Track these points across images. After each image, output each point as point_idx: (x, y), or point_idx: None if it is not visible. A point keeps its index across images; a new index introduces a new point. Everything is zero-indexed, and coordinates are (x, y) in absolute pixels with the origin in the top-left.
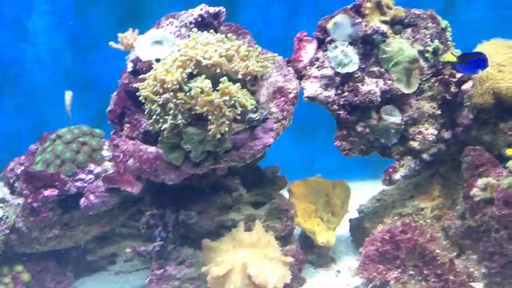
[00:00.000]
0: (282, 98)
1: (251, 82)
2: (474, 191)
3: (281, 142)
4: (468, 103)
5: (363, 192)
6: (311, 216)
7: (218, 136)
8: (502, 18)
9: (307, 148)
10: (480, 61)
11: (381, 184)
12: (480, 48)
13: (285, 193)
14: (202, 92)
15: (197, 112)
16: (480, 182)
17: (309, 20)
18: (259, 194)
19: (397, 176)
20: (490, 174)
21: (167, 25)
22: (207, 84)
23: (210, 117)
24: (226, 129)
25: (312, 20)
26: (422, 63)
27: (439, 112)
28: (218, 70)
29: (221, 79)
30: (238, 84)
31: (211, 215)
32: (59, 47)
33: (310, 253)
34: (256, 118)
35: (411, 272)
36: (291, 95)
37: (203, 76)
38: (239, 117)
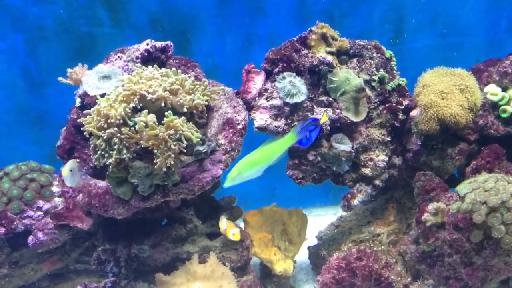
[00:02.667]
0: (231, 130)
1: (199, 115)
2: (425, 216)
3: None
4: (415, 130)
5: (325, 218)
6: (268, 245)
7: (164, 169)
8: (449, 45)
9: (267, 176)
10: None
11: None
12: (424, 76)
13: (241, 223)
14: (146, 126)
15: (142, 146)
16: (431, 207)
17: (263, 51)
18: (214, 225)
19: (355, 202)
20: (441, 198)
21: (116, 59)
22: (151, 118)
23: (155, 151)
24: (172, 162)
25: (266, 52)
26: (369, 91)
27: (388, 138)
28: (163, 104)
29: (166, 113)
30: (183, 118)
31: (165, 248)
32: (11, 83)
33: (270, 283)
34: (204, 151)
35: None
36: (239, 127)
37: (146, 110)
38: (185, 150)
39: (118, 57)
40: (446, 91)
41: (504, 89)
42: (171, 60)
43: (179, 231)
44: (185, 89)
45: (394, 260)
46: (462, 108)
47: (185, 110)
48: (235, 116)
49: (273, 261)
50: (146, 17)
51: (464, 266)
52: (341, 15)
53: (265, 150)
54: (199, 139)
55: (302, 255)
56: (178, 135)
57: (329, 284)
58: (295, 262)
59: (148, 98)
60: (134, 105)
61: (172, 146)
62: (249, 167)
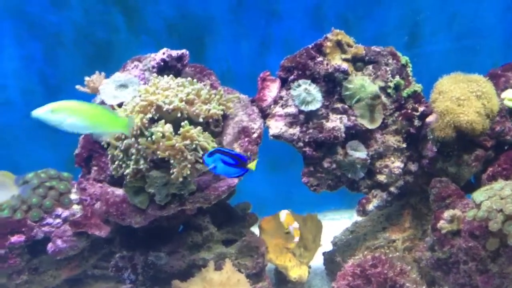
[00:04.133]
0: (246, 139)
1: (215, 124)
2: (441, 223)
3: (256, 177)
4: (431, 137)
5: (340, 222)
6: (283, 252)
7: (181, 179)
8: (465, 48)
9: (282, 181)
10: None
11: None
12: (441, 82)
13: (256, 229)
14: (163, 136)
15: (159, 156)
16: (447, 214)
17: (278, 56)
18: (229, 232)
19: (370, 207)
20: (457, 205)
21: (132, 68)
22: (168, 128)
23: (172, 161)
24: (188, 172)
25: (281, 56)
26: (384, 98)
27: (404, 145)
28: (179, 114)
29: (182, 123)
30: (199, 128)
31: (182, 255)
32: (29, 89)
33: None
34: None
35: None
36: (255, 135)
37: (163, 121)
38: (201, 160)
39: (135, 65)
40: (462, 98)
41: None
42: (187, 68)
43: (195, 238)
44: (201, 99)
45: (409, 267)
46: (479, 114)
47: (201, 120)
48: (251, 125)
49: (288, 267)
50: (162, 23)
51: (479, 273)
52: (357, 19)
53: (95, 112)
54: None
55: (317, 261)
56: (194, 145)
57: None
58: (310, 267)
59: (164, 109)
60: (151, 115)
61: (189, 156)
62: (67, 111)
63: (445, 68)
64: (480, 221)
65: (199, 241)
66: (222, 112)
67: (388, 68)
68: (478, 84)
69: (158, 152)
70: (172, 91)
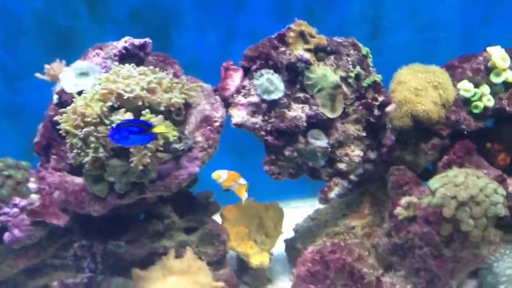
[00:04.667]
0: (208, 127)
1: (176, 112)
2: (398, 210)
3: (221, 165)
4: (390, 126)
5: (303, 210)
6: (244, 239)
7: (141, 167)
8: (427, 40)
9: (248, 170)
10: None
11: None
12: (400, 72)
13: (218, 218)
14: None
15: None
16: (403, 201)
17: (244, 46)
18: (191, 220)
19: (332, 194)
20: (413, 192)
21: (94, 56)
22: (128, 117)
23: (131, 150)
24: (148, 160)
25: (247, 46)
26: (345, 88)
27: (364, 134)
28: (140, 103)
29: (143, 112)
30: (160, 116)
31: (143, 243)
32: None
33: (246, 275)
34: (181, 148)
35: None
36: (217, 124)
37: (123, 109)
38: (161, 148)
39: (96, 53)
40: (420, 88)
41: (477, 85)
42: (150, 57)
43: (157, 226)
44: (162, 88)
45: (367, 252)
46: (435, 104)
47: (162, 108)
48: (213, 113)
49: (249, 255)
50: (126, 11)
51: (434, 258)
52: (321, 10)
53: None
54: (175, 137)
55: (279, 248)
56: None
57: (303, 276)
58: (272, 254)
59: (125, 97)
60: (111, 103)
61: (148, 145)
62: None
63: (407, 59)
64: (435, 207)
65: (161, 229)
66: (183, 101)
67: (349, 59)
68: (435, 74)
69: None
70: (134, 80)
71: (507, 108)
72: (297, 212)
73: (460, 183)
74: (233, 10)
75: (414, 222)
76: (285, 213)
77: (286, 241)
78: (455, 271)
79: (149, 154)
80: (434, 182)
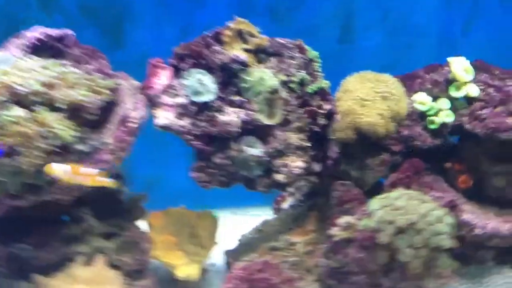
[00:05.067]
0: (122, 128)
1: (89, 111)
2: (334, 230)
3: (178, 169)
4: (333, 137)
5: (262, 218)
6: (172, 249)
7: (32, 169)
8: (399, 44)
9: None
10: None
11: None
12: (348, 79)
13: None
14: (15, 122)
15: (6, 143)
16: (342, 220)
17: None
18: (112, 225)
19: (285, 205)
20: (357, 211)
21: (12, 46)
22: (20, 113)
23: (22, 150)
24: (40, 162)
25: None
26: (287, 94)
27: (308, 144)
28: (38, 99)
29: (38, 109)
30: (60, 114)
31: (53, 248)
32: None
33: (176, 287)
34: (83, 150)
35: None
36: (132, 125)
37: (16, 105)
38: (58, 150)
39: (15, 43)
40: (367, 98)
41: (435, 99)
42: (75, 49)
43: (73, 230)
44: (66, 84)
45: (297, 276)
46: (382, 117)
47: (63, 106)
48: (131, 114)
49: (175, 266)
50: (77, 2)
51: (371, 287)
52: (287, 10)
53: None
54: (74, 138)
55: (221, 259)
56: (49, 133)
57: None
58: (214, 265)
59: (20, 92)
60: (5, 99)
61: (41, 145)
62: None
63: (377, 64)
64: (371, 231)
65: (77, 234)
66: (86, 99)
67: (293, 62)
68: (386, 84)
69: (7, 139)
70: (34, 74)
71: (466, 126)
72: (255, 220)
73: (401, 207)
74: (190, 6)
75: (351, 245)
76: (243, 221)
77: (227, 252)
78: None
79: (42, 155)
80: (374, 203)
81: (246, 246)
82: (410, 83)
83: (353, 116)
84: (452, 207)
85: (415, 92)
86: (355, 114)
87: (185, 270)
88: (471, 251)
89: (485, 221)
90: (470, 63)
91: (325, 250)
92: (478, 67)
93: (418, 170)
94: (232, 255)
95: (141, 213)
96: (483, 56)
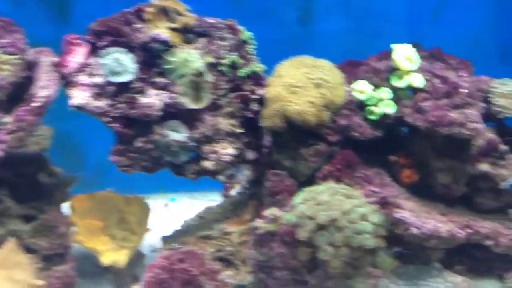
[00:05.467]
0: (25, 107)
1: None
2: (258, 222)
3: None
4: (263, 124)
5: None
6: (96, 234)
7: None
8: (365, 30)
9: None
10: None
11: None
12: (283, 64)
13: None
14: None
15: None
16: (268, 213)
17: None
18: (32, 208)
19: (233, 192)
20: (287, 203)
21: None
22: None
23: None
24: None
25: None
26: (215, 77)
27: (240, 130)
28: None
29: None
30: None
31: None
32: None
33: (109, 273)
34: None
35: None
36: (36, 104)
37: None
38: None
39: None
40: (297, 85)
41: (375, 88)
42: None
43: None
44: None
45: (219, 267)
46: (313, 105)
47: None
48: (37, 92)
49: (100, 251)
50: None
51: (295, 283)
52: None
53: None
54: None
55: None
56: None
57: (150, 283)
58: (155, 251)
59: None
60: None
61: None
62: None
63: (340, 49)
64: (291, 226)
65: None
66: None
67: (223, 43)
68: (322, 71)
69: None
70: None
71: (407, 118)
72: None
73: (323, 202)
74: None
75: (275, 239)
76: (201, 206)
77: (163, 238)
78: None
79: None
80: (298, 197)
81: (182, 233)
82: (353, 71)
83: (281, 103)
84: (384, 203)
85: (358, 79)
86: (284, 101)
87: (111, 256)
88: (416, 251)
89: (424, 220)
90: (427, 51)
91: (252, 243)
92: (434, 55)
93: (350, 163)
94: (168, 242)
95: (65, 196)
96: (452, 43)
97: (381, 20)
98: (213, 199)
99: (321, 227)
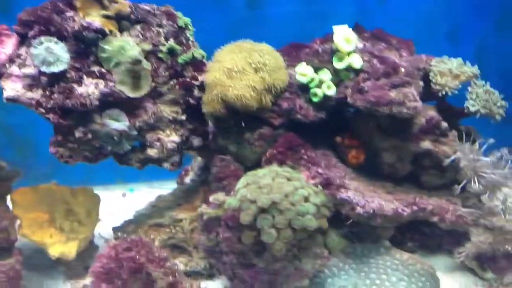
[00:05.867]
0: None
1: None
2: (202, 208)
3: None
4: (204, 110)
5: None
6: (43, 226)
7: None
8: (314, 12)
9: None
10: None
11: None
12: (223, 49)
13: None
14: None
15: None
16: (212, 198)
17: None
18: None
19: (187, 179)
20: (233, 188)
21: None
22: None
23: None
24: None
25: None
26: (153, 64)
27: (183, 117)
28: None
29: None
30: None
31: None
32: None
33: (60, 264)
34: None
35: None
36: None
37: None
38: None
39: None
40: (236, 69)
41: (317, 70)
42: None
43: None
44: None
45: (165, 255)
46: (253, 89)
47: None
48: None
49: (47, 244)
50: None
51: (243, 267)
52: None
53: None
54: None
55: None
56: None
57: (97, 273)
58: (108, 241)
59: None
60: None
61: None
62: None
63: (289, 32)
64: (234, 211)
65: None
66: None
67: (161, 30)
68: (261, 54)
69: None
70: None
71: (348, 99)
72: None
73: (265, 185)
74: None
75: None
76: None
77: (114, 228)
78: (274, 284)
79: None
80: (240, 181)
81: (133, 222)
82: (296, 54)
83: (220, 88)
84: (328, 184)
85: (299, 63)
86: (222, 86)
87: (59, 248)
88: (365, 230)
89: (368, 199)
90: (369, 32)
91: (200, 229)
92: (377, 36)
93: (292, 146)
94: (118, 232)
95: (8, 190)
96: (401, 23)
97: (330, 2)
98: (172, 188)
99: (263, 211)
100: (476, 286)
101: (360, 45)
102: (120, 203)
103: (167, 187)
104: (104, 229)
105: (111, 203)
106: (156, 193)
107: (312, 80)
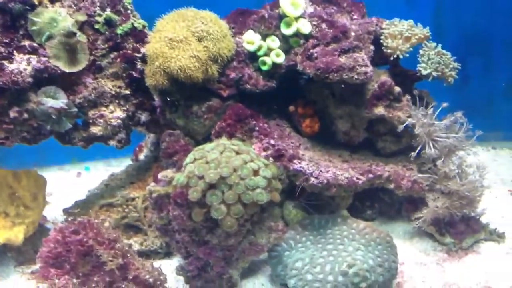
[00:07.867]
0: None
1: None
2: (151, 185)
3: None
4: (147, 84)
5: None
6: None
7: None
8: None
9: None
10: None
11: None
12: (164, 18)
13: None
14: None
15: None
16: (161, 175)
17: None
18: None
19: (141, 156)
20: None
21: None
22: None
23: None
24: None
25: None
26: (91, 36)
27: (127, 91)
28: None
29: None
30: None
31: None
32: None
33: (11, 250)
34: None
35: (82, 279)
36: None
37: None
38: None
39: None
40: (177, 39)
41: (265, 37)
42: None
43: None
44: None
45: (116, 235)
46: (197, 59)
47: None
48: None
49: None
50: None
51: (197, 245)
52: None
53: None
54: None
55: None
56: None
57: (45, 258)
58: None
59: None
60: None
61: None
62: None
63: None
64: (183, 187)
65: None
66: None
67: (95, 0)
68: (204, 22)
69: None
70: None
71: (298, 66)
72: None
73: (212, 160)
74: None
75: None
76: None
77: (64, 210)
78: (230, 260)
79: None
80: (188, 156)
81: (85, 203)
82: (244, 20)
83: (162, 60)
84: (280, 156)
85: (246, 30)
86: (164, 57)
87: (5, 233)
88: (323, 200)
89: (323, 169)
90: None
91: (151, 207)
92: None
93: (240, 118)
94: (69, 214)
95: None
96: None
97: None
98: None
99: (211, 186)
100: (435, 251)
101: (311, 9)
102: (75, 183)
103: (126, 165)
104: (59, 211)
105: (65, 183)
106: (114, 171)
107: (260, 47)
